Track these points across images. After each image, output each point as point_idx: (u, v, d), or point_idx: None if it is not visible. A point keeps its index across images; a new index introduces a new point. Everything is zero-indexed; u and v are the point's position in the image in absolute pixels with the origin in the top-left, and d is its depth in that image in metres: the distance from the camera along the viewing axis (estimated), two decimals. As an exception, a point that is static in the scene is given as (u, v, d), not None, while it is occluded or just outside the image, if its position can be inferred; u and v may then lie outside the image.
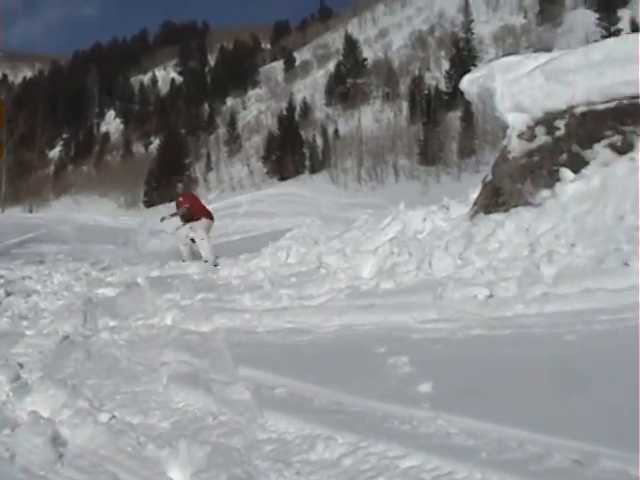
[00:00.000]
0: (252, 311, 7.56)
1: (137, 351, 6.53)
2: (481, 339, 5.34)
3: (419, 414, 3.83)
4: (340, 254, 8.84)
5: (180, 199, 15.77)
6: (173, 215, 15.80)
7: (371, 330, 6.15)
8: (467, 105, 56.52)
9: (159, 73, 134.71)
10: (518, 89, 8.82)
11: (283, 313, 7.29)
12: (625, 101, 8.13)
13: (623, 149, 7.83)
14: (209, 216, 15.55)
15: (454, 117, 69.24)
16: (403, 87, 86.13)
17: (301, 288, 8.22)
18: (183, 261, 14.17)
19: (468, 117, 63.09)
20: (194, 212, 15.24)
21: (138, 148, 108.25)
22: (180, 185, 16.74)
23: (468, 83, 9.92)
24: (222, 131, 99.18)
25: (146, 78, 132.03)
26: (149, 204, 79.09)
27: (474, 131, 63.24)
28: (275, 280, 8.95)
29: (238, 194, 65.52)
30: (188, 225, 15.06)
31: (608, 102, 8.23)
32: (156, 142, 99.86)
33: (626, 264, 6.30)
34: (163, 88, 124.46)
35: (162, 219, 16.19)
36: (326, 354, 5.63)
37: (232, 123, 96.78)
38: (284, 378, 4.90)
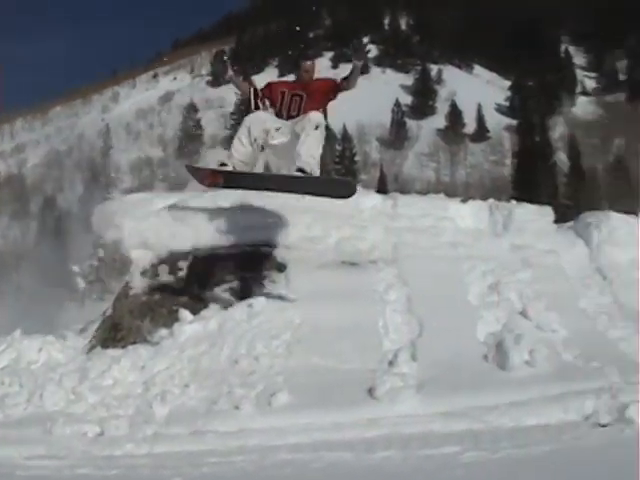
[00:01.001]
0: None
1: None
2: (87, 479, 5.22)
3: None
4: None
5: (298, 83, 8.15)
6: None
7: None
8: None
9: None
10: (146, 226, 8.99)
11: None
12: (248, 248, 8.64)
13: (243, 294, 8.26)
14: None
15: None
16: (33, 206, 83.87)
17: None
18: (223, 164, 7.97)
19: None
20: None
21: None
22: (310, 64, 8.12)
23: (99, 215, 9.93)
24: None
25: None
26: None
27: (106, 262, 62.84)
28: None
29: None
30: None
31: (231, 247, 8.68)
32: None
33: (237, 407, 6.54)
34: None
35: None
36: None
37: None
38: None
